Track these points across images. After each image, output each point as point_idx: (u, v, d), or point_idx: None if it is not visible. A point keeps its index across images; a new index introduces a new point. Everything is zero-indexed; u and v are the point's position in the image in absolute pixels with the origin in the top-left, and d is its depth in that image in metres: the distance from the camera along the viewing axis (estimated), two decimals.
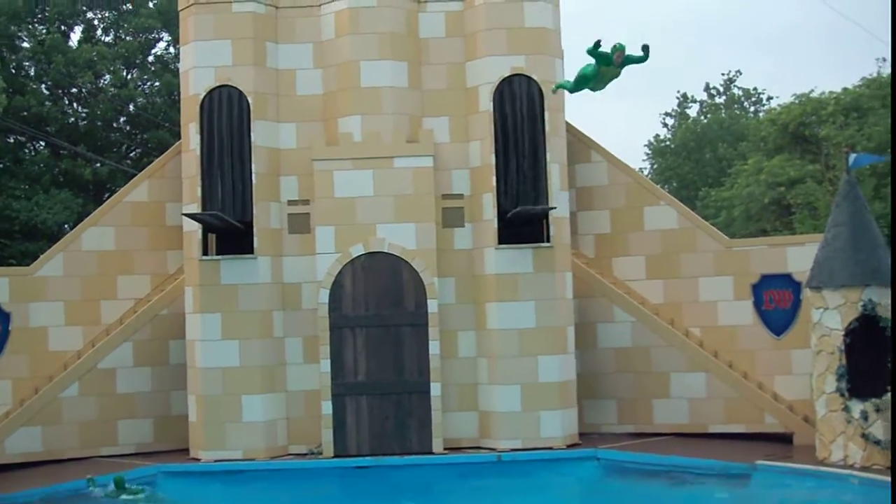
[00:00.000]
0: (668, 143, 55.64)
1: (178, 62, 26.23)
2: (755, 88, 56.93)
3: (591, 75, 16.71)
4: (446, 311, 21.13)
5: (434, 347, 20.77)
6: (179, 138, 22.76)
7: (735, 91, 57.26)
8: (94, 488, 18.51)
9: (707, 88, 57.77)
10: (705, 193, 47.55)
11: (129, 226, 22.55)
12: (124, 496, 18.24)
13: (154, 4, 38.60)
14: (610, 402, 22.32)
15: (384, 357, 20.81)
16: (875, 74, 40.47)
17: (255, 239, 21.03)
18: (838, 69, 65.61)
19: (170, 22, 36.88)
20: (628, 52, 16.42)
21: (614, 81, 17.07)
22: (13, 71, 36.00)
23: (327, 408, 20.73)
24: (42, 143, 36.89)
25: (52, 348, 21.89)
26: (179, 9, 22.34)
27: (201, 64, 21.45)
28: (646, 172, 54.66)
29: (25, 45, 36.74)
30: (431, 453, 20.66)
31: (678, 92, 57.40)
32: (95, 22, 38.97)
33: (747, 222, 41.20)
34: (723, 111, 55.98)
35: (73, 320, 22.07)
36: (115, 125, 38.49)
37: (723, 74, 57.91)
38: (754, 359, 21.66)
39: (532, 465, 20.04)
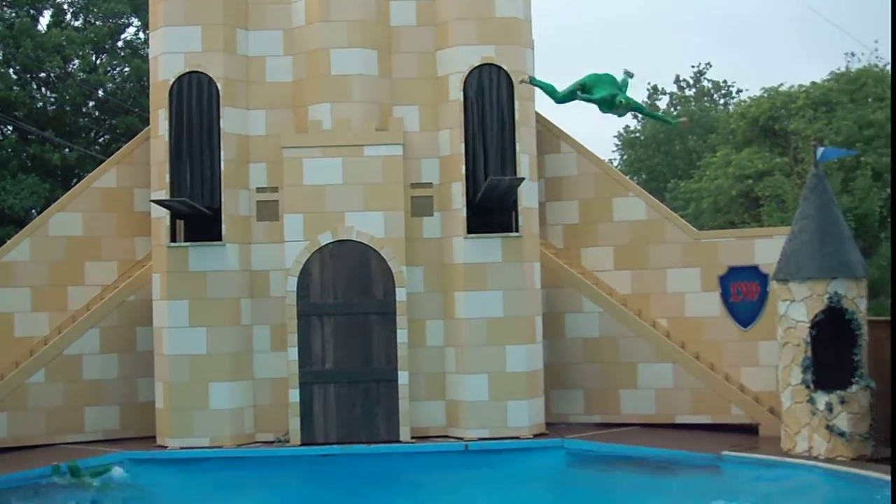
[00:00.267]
0: (637, 134, 55.74)
1: (148, 48, 26.12)
2: (725, 81, 57.15)
3: (591, 84, 16.55)
4: (414, 299, 21.13)
5: (402, 336, 20.77)
6: (148, 124, 22.68)
7: (705, 83, 57.45)
8: (59, 478, 18.43)
9: (677, 81, 57.93)
10: (674, 185, 47.70)
11: (96, 211, 22.42)
12: (93, 481, 18.22)
13: None
14: (577, 392, 22.37)
15: (352, 345, 20.80)
16: (843, 69, 40.70)
17: (224, 226, 20.97)
18: (806, 62, 65.98)
19: (139, 7, 36.69)
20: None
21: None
22: None
23: (294, 396, 20.71)
24: (10, 128, 36.61)
25: (18, 334, 21.75)
26: None
27: (170, 50, 21.33)
28: (615, 164, 54.79)
29: None
30: (399, 442, 20.67)
31: (648, 84, 57.51)
32: (65, 6, 38.67)
33: (716, 214, 41.34)
34: (693, 103, 56.15)
35: (40, 306, 21.95)
36: (83, 110, 38.23)
37: (693, 67, 58.07)
38: (721, 350, 21.75)
39: (499, 455, 20.09)
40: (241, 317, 21.11)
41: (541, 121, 22.63)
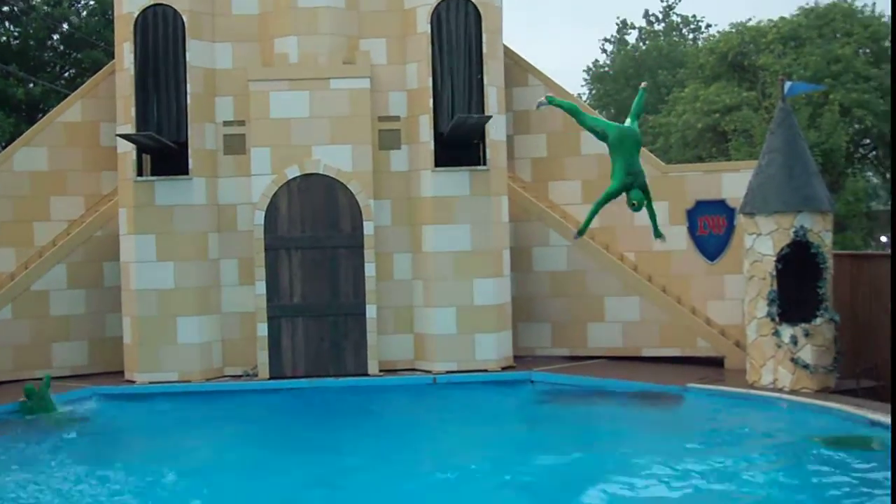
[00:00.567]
0: (607, 69, 55.65)
1: None
2: (694, 16, 57.09)
3: (613, 141, 15.02)
4: (382, 233, 21.14)
5: (370, 270, 20.80)
6: (114, 58, 22.48)
7: (674, 18, 57.31)
8: (27, 412, 18.46)
9: (646, 15, 57.78)
10: (643, 120, 47.68)
11: (62, 146, 22.24)
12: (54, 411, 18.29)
13: None
14: (545, 326, 22.47)
15: (320, 279, 20.82)
16: (812, 4, 40.66)
17: (190, 160, 20.87)
18: None
19: None
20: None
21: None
22: None
23: (262, 329, 20.74)
24: None
25: None
26: None
27: None
28: (584, 98, 54.73)
29: None
30: (367, 375, 20.77)
31: (618, 18, 57.45)
32: None
33: (684, 149, 41.43)
34: (662, 38, 56.04)
35: (6, 242, 21.81)
36: (48, 44, 37.87)
37: (662, 1, 57.93)
38: (688, 284, 21.86)
39: (467, 388, 20.20)
40: (208, 251, 21.07)
41: (509, 54, 22.53)
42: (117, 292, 21.46)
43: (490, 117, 20.55)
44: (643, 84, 15.97)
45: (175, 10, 20.94)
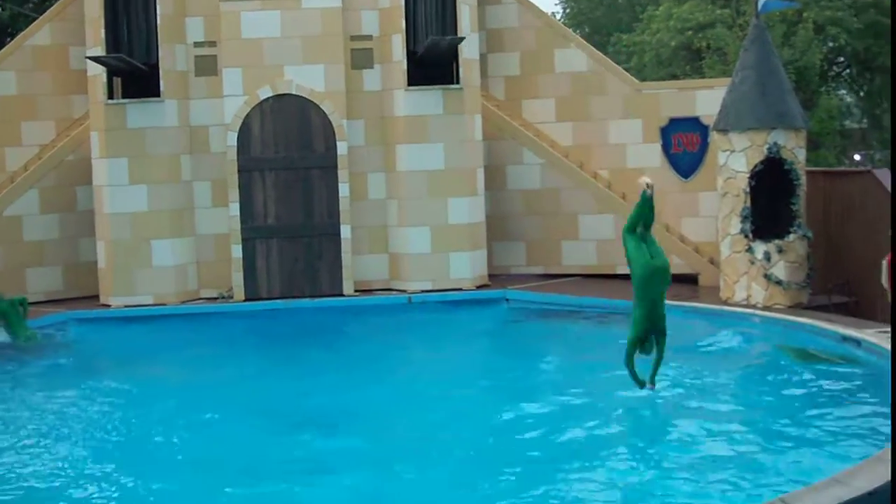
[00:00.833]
0: None
1: None
2: None
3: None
4: (356, 153, 21.06)
5: (344, 190, 20.77)
6: None
7: None
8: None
9: None
10: (617, 39, 47.44)
11: (31, 70, 21.99)
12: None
13: None
14: (519, 244, 22.51)
15: (294, 200, 20.79)
16: None
17: (162, 82, 20.68)
18: None
19: None
20: None
21: None
22: None
23: (237, 251, 20.73)
24: None
25: None
26: None
27: None
28: (558, 17, 54.33)
29: None
30: (342, 295, 20.81)
31: None
32: None
33: (658, 67, 41.27)
34: None
35: None
36: None
37: None
38: (662, 201, 21.73)
39: (442, 307, 20.27)
40: (181, 173, 20.96)
41: None
42: (91, 216, 21.35)
43: (463, 38, 20.44)
44: (647, 186, 13.36)
45: None
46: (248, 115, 20.62)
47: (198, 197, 21.17)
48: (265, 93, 20.63)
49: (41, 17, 22.87)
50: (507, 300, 20.59)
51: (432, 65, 21.01)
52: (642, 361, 13.58)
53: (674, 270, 20.90)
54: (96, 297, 21.19)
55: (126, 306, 20.52)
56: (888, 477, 7.82)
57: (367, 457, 11.76)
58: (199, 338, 18.95)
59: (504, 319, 19.82)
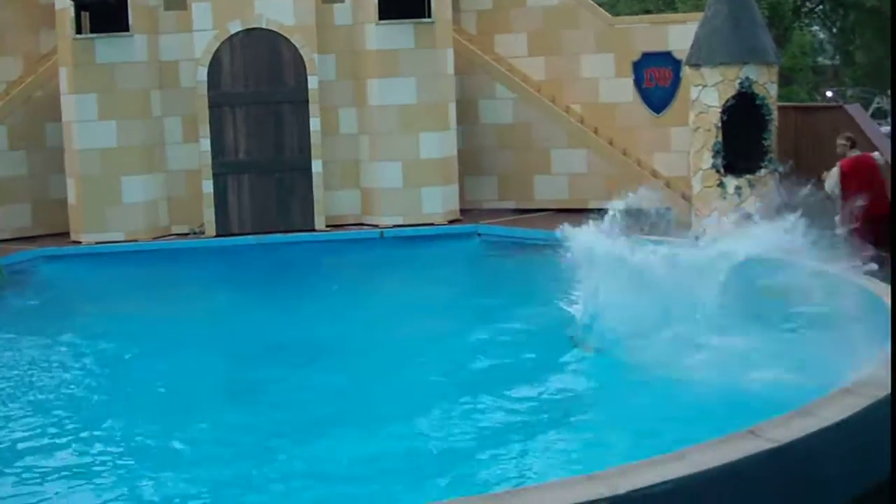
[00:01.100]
0: None
1: None
2: None
3: None
4: (327, 87, 20.93)
5: (315, 124, 20.67)
6: None
7: None
8: None
9: None
10: None
11: None
12: None
13: None
14: (491, 179, 22.50)
15: (265, 135, 20.68)
16: None
17: (130, 16, 20.42)
18: None
19: None
20: None
21: None
22: None
23: (208, 187, 20.63)
24: None
25: None
26: None
27: None
28: None
29: None
30: (314, 230, 20.77)
31: None
32: None
33: (631, 2, 41.20)
34: None
35: None
36: None
37: None
38: (634, 136, 21.89)
39: (414, 241, 20.28)
40: (151, 108, 20.79)
41: None
42: (60, 153, 21.16)
43: None
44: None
45: None
46: (217, 50, 20.45)
47: (168, 132, 21.01)
48: (235, 27, 20.44)
49: None
50: (478, 234, 20.61)
51: None
52: None
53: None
54: (66, 234, 21.06)
55: (97, 243, 20.42)
56: (856, 408, 7.83)
57: (342, 386, 11.83)
58: (171, 274, 18.90)
59: (475, 254, 19.84)
